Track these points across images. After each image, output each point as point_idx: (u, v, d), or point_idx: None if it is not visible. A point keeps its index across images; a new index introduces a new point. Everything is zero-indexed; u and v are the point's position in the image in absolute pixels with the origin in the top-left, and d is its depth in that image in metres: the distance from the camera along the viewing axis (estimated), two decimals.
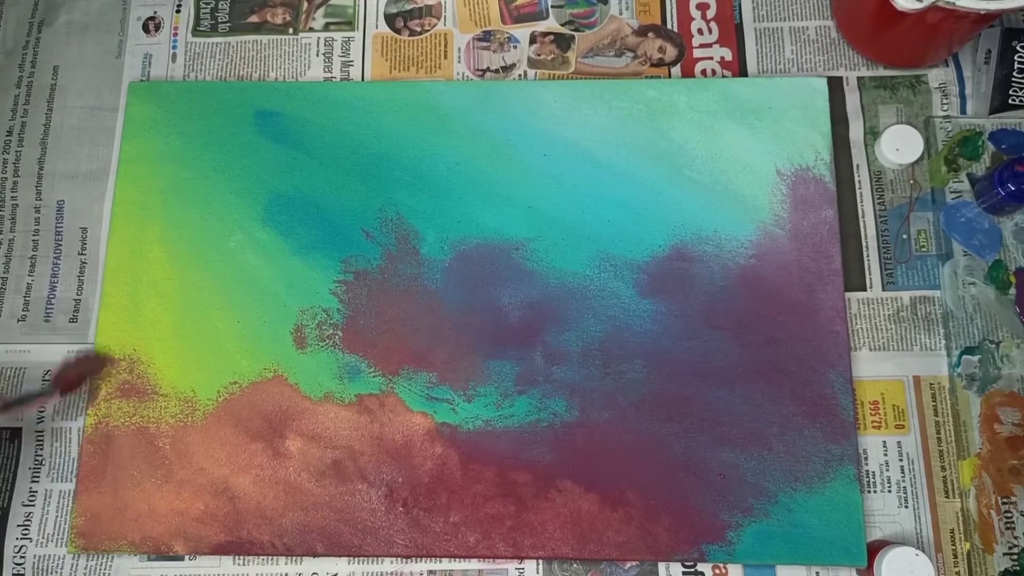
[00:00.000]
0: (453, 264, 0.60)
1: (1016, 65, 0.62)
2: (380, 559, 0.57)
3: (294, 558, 0.57)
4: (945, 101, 0.64)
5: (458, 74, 0.66)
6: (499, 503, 0.56)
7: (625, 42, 0.67)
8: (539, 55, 0.67)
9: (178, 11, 0.69)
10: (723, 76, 0.65)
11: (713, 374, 0.57)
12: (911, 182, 0.62)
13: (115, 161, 0.65)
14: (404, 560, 0.57)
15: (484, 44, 0.67)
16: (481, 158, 0.62)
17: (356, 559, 0.57)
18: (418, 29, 0.68)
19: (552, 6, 0.68)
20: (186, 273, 0.61)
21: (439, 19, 0.68)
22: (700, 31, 0.67)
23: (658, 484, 0.56)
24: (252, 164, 0.63)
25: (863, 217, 0.62)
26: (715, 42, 0.66)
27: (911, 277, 0.60)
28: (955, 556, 0.56)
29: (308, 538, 0.56)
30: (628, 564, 0.56)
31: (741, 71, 0.65)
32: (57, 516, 0.58)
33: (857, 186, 0.62)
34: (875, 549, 0.54)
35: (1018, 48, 0.62)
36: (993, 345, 0.58)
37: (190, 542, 0.56)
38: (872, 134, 0.63)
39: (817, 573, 0.56)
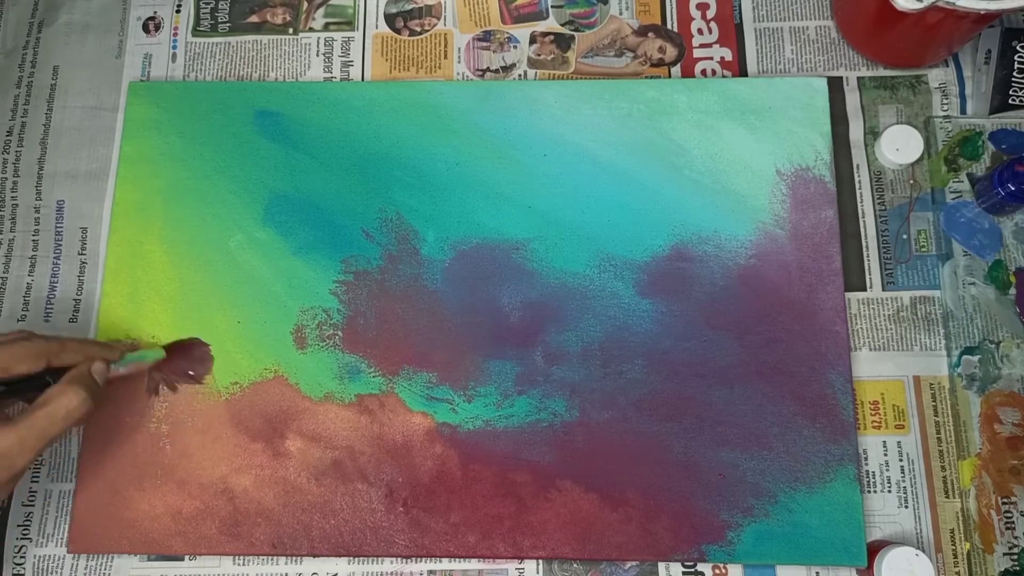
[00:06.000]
0: (453, 264, 0.60)
1: (1016, 65, 0.62)
2: (380, 559, 0.57)
3: (294, 558, 0.57)
4: (945, 101, 0.64)
5: (458, 74, 0.66)
6: (499, 503, 0.56)
7: (625, 42, 0.67)
8: (539, 55, 0.67)
9: (178, 11, 0.69)
10: (723, 76, 0.65)
11: (713, 374, 0.57)
12: (911, 182, 0.62)
13: (115, 161, 0.65)
14: (404, 560, 0.56)
15: (484, 44, 0.67)
16: (481, 158, 0.62)
17: (356, 559, 0.57)
18: (418, 29, 0.68)
19: (552, 6, 0.68)
20: (186, 273, 0.61)
21: (439, 19, 0.68)
22: (700, 31, 0.67)
23: (658, 484, 0.56)
24: (252, 164, 0.63)
25: (863, 217, 0.62)
26: (715, 42, 0.66)
27: (911, 277, 0.60)
28: (955, 556, 0.55)
29: (308, 538, 0.56)
30: (628, 564, 0.56)
31: (741, 71, 0.65)
32: (57, 516, 0.58)
33: (857, 186, 0.62)
34: (875, 549, 0.53)
35: (1018, 48, 0.62)
36: (993, 345, 0.58)
37: (190, 542, 0.56)
38: (872, 134, 0.63)
39: (817, 573, 0.56)
